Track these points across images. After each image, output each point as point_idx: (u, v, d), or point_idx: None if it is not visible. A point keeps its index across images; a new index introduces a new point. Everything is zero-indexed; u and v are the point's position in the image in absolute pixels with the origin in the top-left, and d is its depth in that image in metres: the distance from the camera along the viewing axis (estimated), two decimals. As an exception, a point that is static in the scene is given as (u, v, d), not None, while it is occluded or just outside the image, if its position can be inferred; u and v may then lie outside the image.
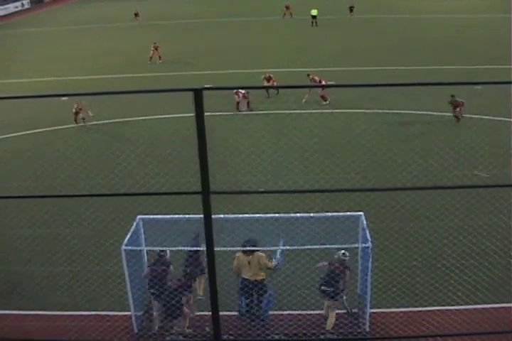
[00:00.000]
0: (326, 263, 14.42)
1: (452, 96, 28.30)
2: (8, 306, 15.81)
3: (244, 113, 30.81)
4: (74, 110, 29.08)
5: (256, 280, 14.20)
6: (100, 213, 19.65)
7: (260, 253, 14.20)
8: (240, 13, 68.65)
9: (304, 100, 31.50)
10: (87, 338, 14.33)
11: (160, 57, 44.44)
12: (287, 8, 65.04)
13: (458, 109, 28.62)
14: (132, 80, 38.88)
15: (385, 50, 46.25)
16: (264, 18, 64.47)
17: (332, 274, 14.01)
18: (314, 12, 58.57)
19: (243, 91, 30.50)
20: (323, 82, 31.47)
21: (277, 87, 36.93)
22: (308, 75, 32.70)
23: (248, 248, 14.10)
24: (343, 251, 14.16)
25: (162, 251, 14.37)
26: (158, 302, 14.09)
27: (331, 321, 14.11)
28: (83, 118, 29.31)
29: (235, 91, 30.58)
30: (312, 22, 58.67)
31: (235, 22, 62.87)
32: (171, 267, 14.52)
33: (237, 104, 31.13)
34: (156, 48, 44.47)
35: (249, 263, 14.15)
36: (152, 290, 14.18)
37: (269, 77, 33.98)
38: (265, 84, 33.63)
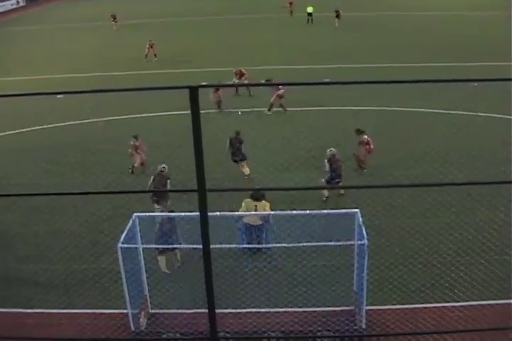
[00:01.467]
0: (326, 163, 19.83)
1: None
2: (4, 304, 15.80)
3: (227, 110, 30.54)
4: None
5: (257, 225, 16.74)
6: (96, 210, 19.65)
7: (266, 202, 16.93)
8: (236, 9, 68.34)
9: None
10: (83, 336, 14.32)
11: (155, 55, 44.30)
12: (291, 4, 63.84)
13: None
14: (127, 78, 38.81)
15: (377, 47, 46.25)
16: (262, 16, 64.00)
17: (337, 168, 19.88)
18: (310, 9, 58.44)
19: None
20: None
21: (275, 84, 36.58)
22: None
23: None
24: (330, 149, 20.07)
25: (163, 167, 18.93)
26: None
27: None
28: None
29: (213, 90, 30.27)
30: (308, 19, 58.55)
31: (231, 19, 62.71)
32: (169, 181, 18.62)
33: (219, 103, 30.89)
34: (151, 46, 44.29)
35: (256, 208, 16.74)
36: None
37: (241, 72, 33.61)
38: (235, 79, 33.30)
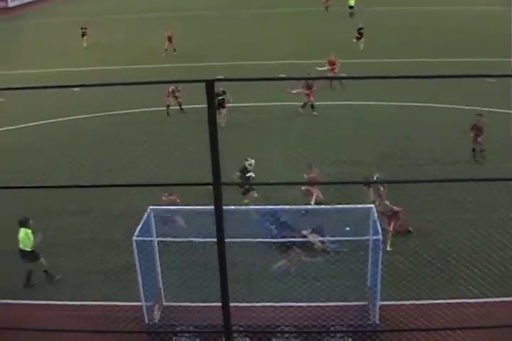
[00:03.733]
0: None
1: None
2: (21, 296, 15.92)
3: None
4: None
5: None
6: (112, 203, 19.75)
7: None
8: (267, 3, 66.06)
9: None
10: (97, 328, 14.40)
11: (174, 49, 43.42)
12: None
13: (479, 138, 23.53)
14: (144, 71, 38.70)
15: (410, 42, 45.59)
16: (297, 10, 61.71)
17: None
18: (352, 2, 56.07)
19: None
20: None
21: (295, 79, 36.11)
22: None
23: None
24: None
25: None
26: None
27: None
28: None
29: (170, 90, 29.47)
30: (350, 13, 55.85)
31: (263, 14, 60.81)
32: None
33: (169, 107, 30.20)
34: (169, 39, 43.38)
35: None
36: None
37: (333, 61, 33.40)
38: (327, 67, 33.25)
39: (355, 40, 42.90)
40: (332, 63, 33.78)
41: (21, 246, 16.13)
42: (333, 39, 43.52)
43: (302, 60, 38.34)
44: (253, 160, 19.09)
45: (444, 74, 5.45)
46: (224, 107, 27.68)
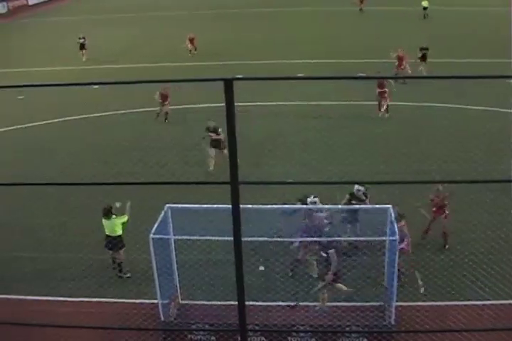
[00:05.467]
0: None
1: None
2: (36, 292, 16.03)
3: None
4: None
5: None
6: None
7: None
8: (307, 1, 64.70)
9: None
10: (113, 325, 14.49)
11: (195, 48, 43.05)
12: (361, 1, 58.21)
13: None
14: (163, 70, 38.74)
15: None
16: (330, 9, 60.33)
17: None
18: (425, 3, 54.21)
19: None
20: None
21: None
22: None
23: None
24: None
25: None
26: None
27: None
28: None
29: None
30: (424, 15, 54.13)
31: (295, 12, 59.71)
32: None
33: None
34: (191, 40, 43.04)
35: None
36: None
37: (401, 57, 33.02)
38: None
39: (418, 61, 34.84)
40: (400, 59, 33.10)
41: (112, 234, 16.56)
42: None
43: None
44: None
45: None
46: (223, 149, 21.91)
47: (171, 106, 28.62)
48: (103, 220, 16.59)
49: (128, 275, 16.74)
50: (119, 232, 16.61)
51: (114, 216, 16.54)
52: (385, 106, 27.99)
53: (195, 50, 43.30)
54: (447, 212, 17.36)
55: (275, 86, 31.89)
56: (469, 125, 26.75)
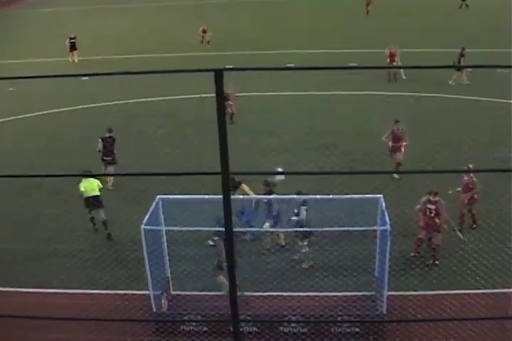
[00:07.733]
0: None
1: None
2: (28, 283, 16.00)
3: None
4: None
5: None
6: (119, 192, 19.80)
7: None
8: None
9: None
10: (105, 316, 14.49)
11: (208, 41, 42.63)
12: (368, 4, 52.24)
13: None
14: (160, 61, 38.31)
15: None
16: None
17: None
18: None
19: None
20: None
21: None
22: None
23: None
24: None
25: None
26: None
27: None
28: None
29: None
30: (461, 5, 51.92)
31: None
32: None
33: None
34: (204, 32, 42.89)
35: None
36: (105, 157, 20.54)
37: (392, 53, 32.92)
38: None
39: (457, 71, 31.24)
40: (393, 55, 33.04)
41: (93, 193, 17.80)
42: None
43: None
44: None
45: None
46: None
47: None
48: (82, 183, 17.75)
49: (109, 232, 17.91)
50: (98, 192, 17.90)
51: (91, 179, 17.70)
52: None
53: (208, 43, 42.79)
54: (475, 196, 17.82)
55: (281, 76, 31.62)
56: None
